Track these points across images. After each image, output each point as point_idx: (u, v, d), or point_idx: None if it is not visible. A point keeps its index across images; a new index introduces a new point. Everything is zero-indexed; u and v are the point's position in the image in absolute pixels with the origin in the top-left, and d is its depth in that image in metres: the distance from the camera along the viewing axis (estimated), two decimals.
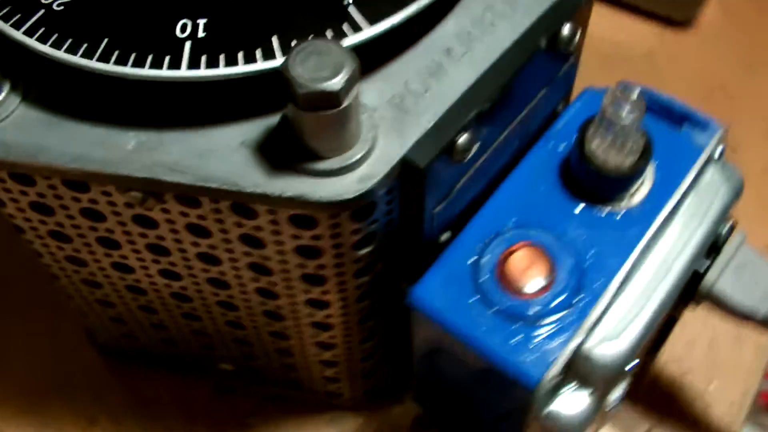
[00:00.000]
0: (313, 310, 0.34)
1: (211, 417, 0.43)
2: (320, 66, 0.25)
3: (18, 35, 0.28)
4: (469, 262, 0.31)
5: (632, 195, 0.33)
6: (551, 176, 0.34)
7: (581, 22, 0.33)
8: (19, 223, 0.33)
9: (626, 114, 0.31)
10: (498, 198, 0.33)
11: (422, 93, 0.29)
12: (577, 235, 0.32)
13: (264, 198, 0.27)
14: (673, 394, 0.44)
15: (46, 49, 0.28)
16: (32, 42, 0.28)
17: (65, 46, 0.28)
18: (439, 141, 0.28)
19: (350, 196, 0.27)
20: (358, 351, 0.37)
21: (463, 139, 0.29)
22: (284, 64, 0.25)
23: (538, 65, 0.32)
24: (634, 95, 0.31)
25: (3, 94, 0.29)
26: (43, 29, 0.28)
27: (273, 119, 0.28)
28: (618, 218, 0.33)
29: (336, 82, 0.25)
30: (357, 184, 0.27)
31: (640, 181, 0.33)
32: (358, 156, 0.27)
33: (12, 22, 0.28)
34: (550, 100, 0.35)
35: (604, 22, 0.56)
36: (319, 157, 0.27)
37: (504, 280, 0.31)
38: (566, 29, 0.31)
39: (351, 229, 0.29)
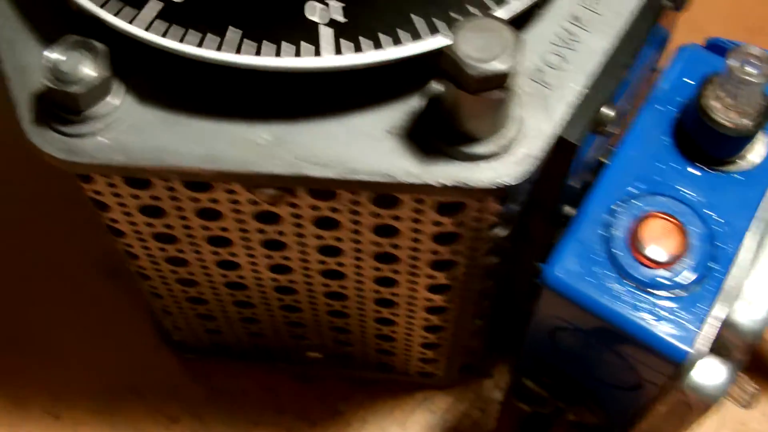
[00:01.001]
0: (432, 295, 0.32)
1: (300, 405, 0.42)
2: (488, 45, 0.23)
3: (136, 30, 0.26)
4: (598, 235, 0.30)
5: (749, 155, 0.32)
6: (665, 139, 0.32)
7: None
8: (121, 227, 0.31)
9: (757, 73, 0.30)
10: (616, 166, 0.32)
11: (560, 64, 0.28)
12: (700, 200, 0.31)
13: (418, 187, 0.26)
14: None
15: (167, 42, 0.26)
16: (152, 36, 0.26)
17: (187, 39, 0.26)
18: (586, 114, 0.27)
19: (512, 179, 0.25)
20: (466, 332, 0.36)
21: (606, 109, 0.28)
22: (451, 46, 0.23)
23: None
24: (761, 54, 0.30)
25: (119, 96, 0.27)
26: (162, 23, 0.26)
27: (412, 101, 0.27)
28: (738, 179, 0.32)
29: (506, 62, 0.23)
30: (516, 166, 0.26)
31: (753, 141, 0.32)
32: (512, 135, 0.26)
33: (128, 18, 0.26)
34: (652, 59, 0.34)
35: None
36: (474, 140, 0.25)
37: (638, 252, 0.30)
38: None
39: (493, 211, 0.28)
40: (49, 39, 0.27)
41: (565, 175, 0.28)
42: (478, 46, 0.23)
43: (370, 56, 0.25)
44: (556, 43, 0.28)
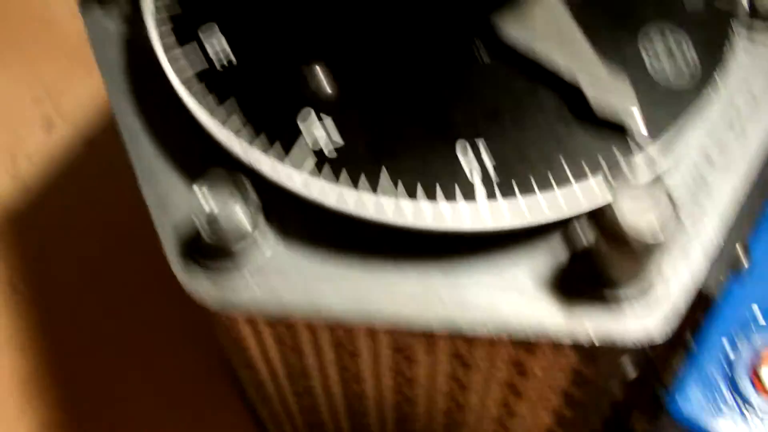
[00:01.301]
0: (550, 420, 0.33)
1: None
2: (648, 210, 0.24)
3: (291, 183, 0.27)
4: (721, 366, 0.31)
5: None
6: None
7: None
8: (252, 352, 0.31)
9: None
10: (738, 291, 0.32)
11: (693, 206, 0.28)
12: None
13: (566, 337, 0.26)
14: None
15: (323, 197, 0.26)
16: (308, 190, 0.27)
17: (341, 193, 0.26)
18: (724, 258, 0.28)
19: (659, 332, 0.26)
20: None
21: (740, 249, 0.28)
22: (614, 210, 0.24)
23: None
24: None
25: (269, 241, 0.27)
26: (315, 178, 0.27)
27: (554, 242, 0.27)
28: None
29: (666, 231, 0.24)
30: (663, 318, 0.26)
31: None
32: (656, 283, 0.26)
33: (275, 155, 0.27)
34: None
35: None
36: (618, 287, 0.26)
37: (761, 385, 0.31)
38: None
39: (626, 353, 0.28)
40: (192, 173, 0.28)
41: (701, 319, 0.29)
42: (638, 210, 0.24)
43: (529, 216, 0.26)
44: (688, 185, 0.29)
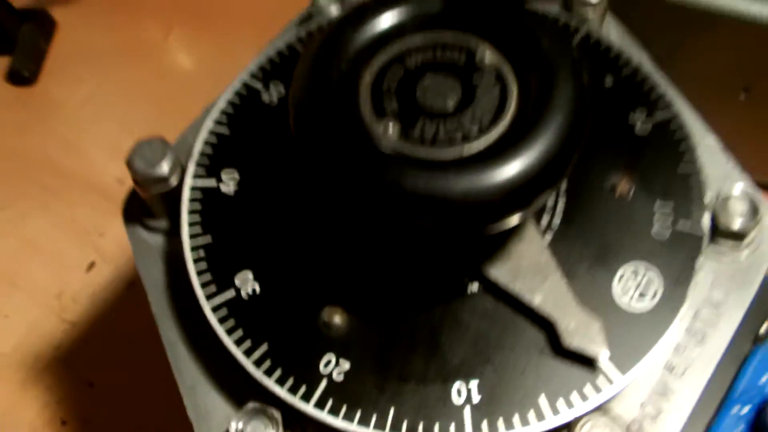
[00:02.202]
0: None
1: None
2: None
3: (309, 409, 0.32)
4: None
5: None
6: None
7: None
8: None
9: None
10: None
11: (656, 416, 0.33)
12: None
13: None
14: None
15: (335, 421, 0.31)
16: (321, 413, 0.31)
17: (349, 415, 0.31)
18: None
19: None
20: None
21: None
22: None
23: None
24: None
25: None
26: (331, 400, 0.32)
27: None
28: None
29: None
30: None
31: None
32: None
33: (299, 394, 0.32)
34: None
35: None
36: None
37: None
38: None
39: None
40: (230, 391, 0.33)
41: None
42: None
43: None
44: (653, 394, 0.33)
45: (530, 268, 0.33)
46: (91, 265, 0.59)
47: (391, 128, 0.30)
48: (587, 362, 0.32)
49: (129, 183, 0.37)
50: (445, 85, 0.31)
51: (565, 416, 0.31)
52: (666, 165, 0.35)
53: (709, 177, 0.35)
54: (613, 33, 0.40)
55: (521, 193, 0.28)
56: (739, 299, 0.34)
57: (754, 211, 0.35)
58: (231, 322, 0.33)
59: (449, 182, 0.28)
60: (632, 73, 0.37)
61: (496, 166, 0.28)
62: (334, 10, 0.40)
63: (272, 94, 0.38)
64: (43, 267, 0.59)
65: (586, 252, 0.34)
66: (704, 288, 0.35)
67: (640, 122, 0.36)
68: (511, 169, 0.28)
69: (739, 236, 0.34)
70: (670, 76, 0.38)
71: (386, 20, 0.32)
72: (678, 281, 0.33)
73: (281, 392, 0.32)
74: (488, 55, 0.31)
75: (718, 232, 0.35)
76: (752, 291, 0.35)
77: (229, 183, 0.35)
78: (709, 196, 0.35)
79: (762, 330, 0.36)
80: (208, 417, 0.33)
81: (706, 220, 0.35)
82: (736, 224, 0.34)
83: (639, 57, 0.38)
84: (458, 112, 0.30)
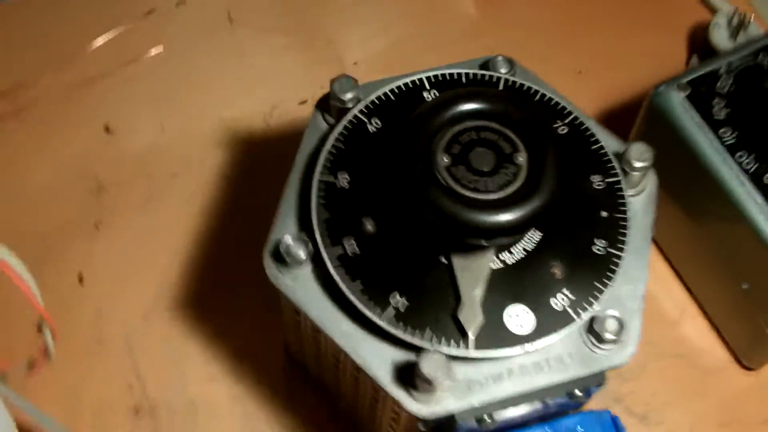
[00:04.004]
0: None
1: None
2: None
3: None
4: None
5: None
6: None
7: None
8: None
9: None
10: None
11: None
12: None
13: None
14: None
15: None
16: None
17: None
18: None
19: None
20: None
21: None
22: None
23: None
24: None
25: None
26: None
27: None
28: None
29: None
30: None
31: None
32: None
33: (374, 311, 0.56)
34: None
35: None
36: None
37: None
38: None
39: None
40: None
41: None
42: None
43: None
44: None
45: (473, 272, 0.52)
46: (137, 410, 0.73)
47: (449, 174, 0.54)
48: (463, 332, 0.51)
49: None
50: (486, 156, 0.55)
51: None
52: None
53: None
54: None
55: (521, 226, 0.52)
56: None
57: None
58: (343, 271, 0.53)
59: (474, 214, 0.52)
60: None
61: (503, 212, 0.52)
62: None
63: (373, 125, 0.61)
64: None
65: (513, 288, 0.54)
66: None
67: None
68: (510, 214, 0.52)
69: None
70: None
71: (464, 107, 0.55)
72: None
73: (361, 306, 0.55)
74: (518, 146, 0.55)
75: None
76: None
77: (342, 180, 0.59)
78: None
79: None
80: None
81: None
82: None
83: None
84: (490, 174, 0.54)
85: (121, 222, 0.81)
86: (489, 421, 0.53)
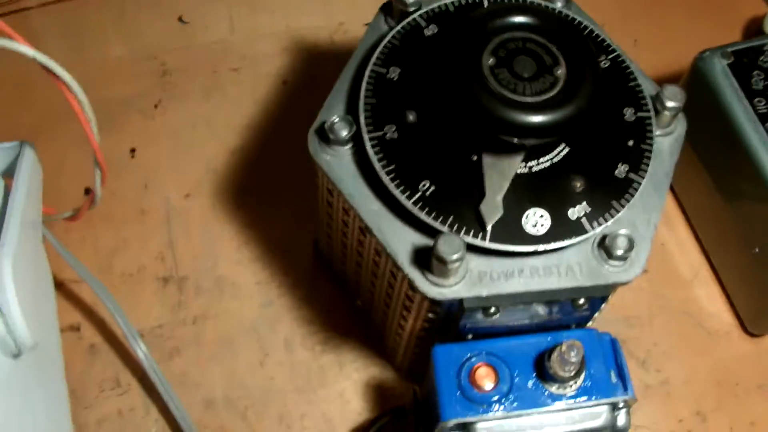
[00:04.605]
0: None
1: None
2: None
3: None
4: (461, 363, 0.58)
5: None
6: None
7: None
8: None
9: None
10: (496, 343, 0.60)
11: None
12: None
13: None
14: None
15: None
16: None
17: None
18: None
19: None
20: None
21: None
22: None
23: None
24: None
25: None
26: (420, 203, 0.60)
27: None
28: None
29: None
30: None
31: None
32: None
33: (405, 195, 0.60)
34: None
35: None
36: None
37: (473, 381, 0.58)
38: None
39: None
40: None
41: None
42: None
43: None
44: None
45: (501, 171, 0.58)
46: None
47: (491, 73, 0.57)
48: (482, 224, 0.56)
49: None
50: (528, 64, 0.58)
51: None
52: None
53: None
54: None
55: (550, 130, 0.56)
56: None
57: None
58: (380, 153, 0.59)
59: (509, 112, 0.55)
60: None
61: (534, 114, 0.55)
62: None
63: (430, 30, 0.65)
64: None
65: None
66: None
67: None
68: (541, 117, 0.55)
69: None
70: None
71: (516, 18, 0.59)
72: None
73: (392, 187, 0.59)
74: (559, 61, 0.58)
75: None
76: None
77: (393, 73, 0.63)
78: None
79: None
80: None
81: None
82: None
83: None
84: (529, 80, 0.57)
85: (178, 106, 0.86)
86: (495, 315, 0.57)
